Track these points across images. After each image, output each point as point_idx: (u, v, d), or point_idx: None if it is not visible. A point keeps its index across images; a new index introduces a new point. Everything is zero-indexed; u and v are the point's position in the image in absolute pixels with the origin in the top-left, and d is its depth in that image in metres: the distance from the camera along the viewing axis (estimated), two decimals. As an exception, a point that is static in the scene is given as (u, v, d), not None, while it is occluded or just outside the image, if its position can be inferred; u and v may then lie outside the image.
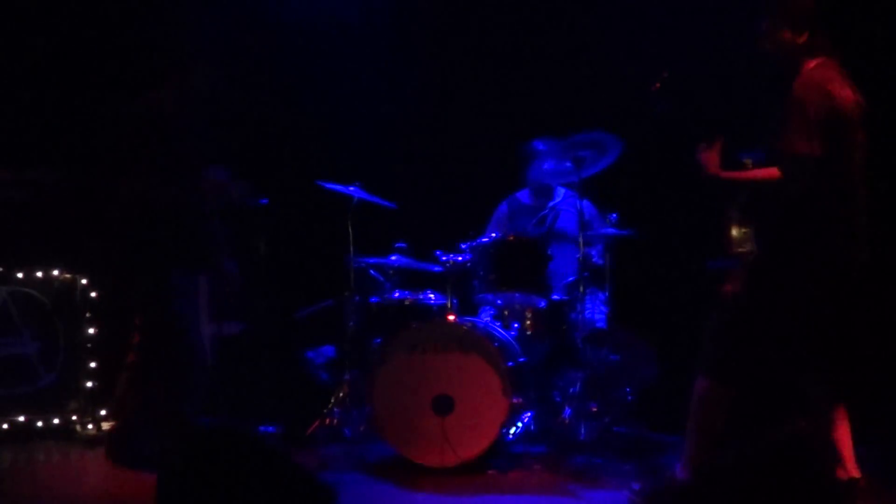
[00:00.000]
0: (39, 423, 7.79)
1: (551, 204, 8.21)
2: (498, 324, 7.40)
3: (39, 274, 7.92)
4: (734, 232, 5.61)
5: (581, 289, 7.25)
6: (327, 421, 7.48)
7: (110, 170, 6.69)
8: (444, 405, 6.65)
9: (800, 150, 5.20)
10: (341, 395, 7.57)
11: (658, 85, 5.99)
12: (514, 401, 6.67)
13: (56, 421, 7.85)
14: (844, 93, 5.35)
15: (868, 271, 5.47)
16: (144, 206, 6.45)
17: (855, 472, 5.41)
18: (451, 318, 7.12)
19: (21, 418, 7.69)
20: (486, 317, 7.74)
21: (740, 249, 5.59)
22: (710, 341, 5.59)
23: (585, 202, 7.44)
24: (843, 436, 5.43)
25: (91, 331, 7.99)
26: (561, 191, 8.27)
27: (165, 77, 6.73)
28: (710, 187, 5.56)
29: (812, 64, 5.42)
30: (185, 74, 6.72)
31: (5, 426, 7.66)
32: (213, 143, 6.76)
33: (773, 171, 5.31)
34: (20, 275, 7.87)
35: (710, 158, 5.48)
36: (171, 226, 6.47)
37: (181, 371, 6.54)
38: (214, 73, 6.81)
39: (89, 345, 7.98)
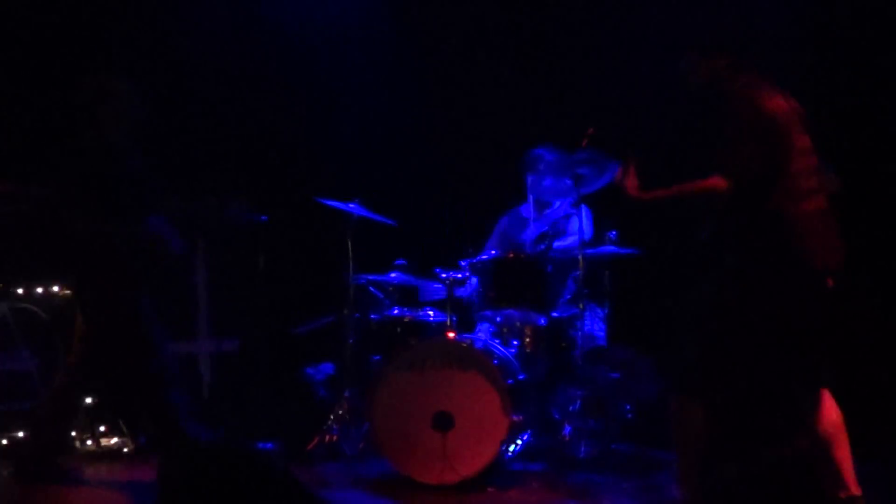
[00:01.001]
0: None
1: (550, 215, 8.18)
2: (497, 341, 7.39)
3: (40, 290, 7.91)
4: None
5: (581, 306, 7.26)
6: (326, 438, 7.47)
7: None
8: (443, 422, 6.63)
9: (735, 162, 5.24)
10: (340, 411, 7.56)
11: (585, 142, 6.08)
12: (514, 418, 6.66)
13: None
14: (775, 102, 5.40)
15: (856, 279, 5.51)
16: (90, 243, 6.51)
17: (856, 491, 5.39)
18: (451, 335, 7.11)
19: (20, 434, 7.66)
20: (485, 334, 7.73)
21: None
22: (679, 357, 5.60)
23: (584, 210, 7.45)
24: (843, 453, 5.42)
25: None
26: (559, 203, 8.24)
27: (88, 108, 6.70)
28: (637, 207, 5.63)
29: (738, 83, 5.47)
30: (107, 101, 6.69)
31: (4, 442, 7.63)
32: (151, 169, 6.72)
33: (698, 183, 5.34)
34: (20, 290, 7.86)
35: (628, 182, 5.56)
36: (114, 255, 6.50)
37: (162, 389, 6.55)
38: (136, 95, 6.78)
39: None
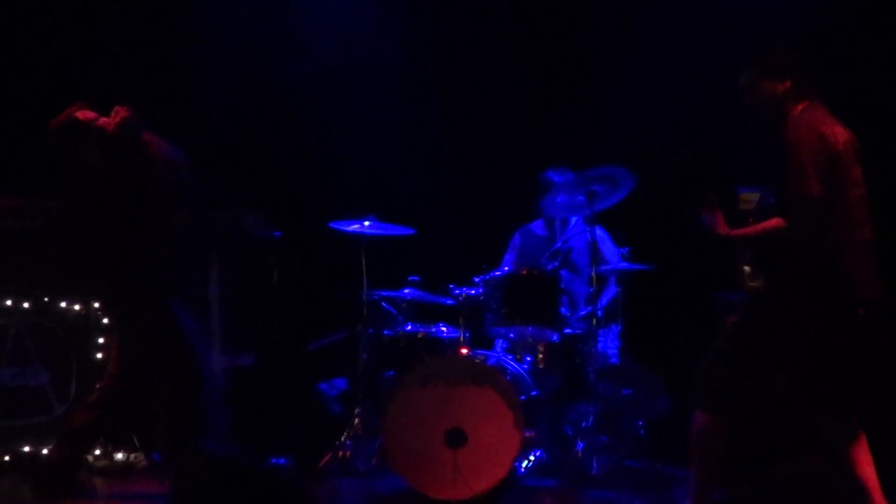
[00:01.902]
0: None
1: (566, 233, 8.19)
2: (510, 357, 7.40)
3: (52, 304, 7.93)
4: (746, 266, 5.64)
5: (594, 322, 7.26)
6: (339, 454, 7.45)
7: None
8: (456, 438, 6.63)
9: (799, 192, 5.25)
10: (354, 427, 7.55)
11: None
12: (527, 434, 6.67)
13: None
14: (836, 131, 5.43)
15: (883, 306, 5.50)
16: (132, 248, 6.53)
17: None
18: (464, 351, 7.13)
19: (32, 449, 7.66)
20: (498, 350, 7.74)
21: (752, 284, 5.61)
22: (707, 373, 5.60)
23: (598, 229, 7.46)
24: (867, 469, 5.43)
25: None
26: (574, 220, 8.25)
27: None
28: (723, 245, 5.63)
29: (798, 109, 5.50)
30: (78, 131, 6.68)
31: (18, 456, 7.64)
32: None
33: (778, 221, 5.35)
34: (33, 305, 7.87)
35: (716, 220, 5.54)
36: (159, 259, 6.53)
37: (193, 401, 6.57)
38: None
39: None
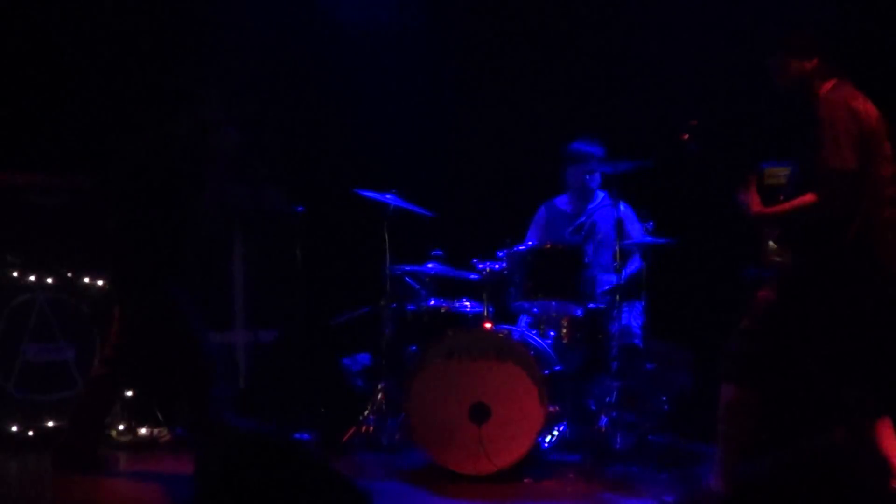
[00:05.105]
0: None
1: (590, 207, 8.16)
2: (534, 332, 7.39)
3: (77, 280, 7.95)
4: (770, 241, 5.62)
5: (618, 298, 7.24)
6: (363, 428, 7.48)
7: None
8: (480, 413, 6.64)
9: (834, 166, 5.24)
10: (377, 402, 7.57)
11: (686, 136, 6.09)
12: (550, 409, 6.66)
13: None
14: (867, 107, 5.44)
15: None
16: (142, 227, 6.55)
17: None
18: (488, 326, 7.11)
19: (58, 424, 7.69)
20: (522, 325, 7.73)
21: (776, 258, 5.59)
22: (737, 346, 5.60)
23: (622, 204, 7.44)
24: (890, 444, 5.42)
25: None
26: (600, 194, 8.21)
27: (175, 108, 6.74)
28: (757, 225, 5.62)
29: (828, 86, 5.50)
30: (194, 106, 6.73)
31: (43, 431, 7.67)
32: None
33: (810, 196, 5.33)
34: (57, 281, 7.90)
35: (751, 199, 5.53)
36: (167, 241, 6.55)
37: (204, 376, 6.59)
38: (219, 104, 6.83)
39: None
